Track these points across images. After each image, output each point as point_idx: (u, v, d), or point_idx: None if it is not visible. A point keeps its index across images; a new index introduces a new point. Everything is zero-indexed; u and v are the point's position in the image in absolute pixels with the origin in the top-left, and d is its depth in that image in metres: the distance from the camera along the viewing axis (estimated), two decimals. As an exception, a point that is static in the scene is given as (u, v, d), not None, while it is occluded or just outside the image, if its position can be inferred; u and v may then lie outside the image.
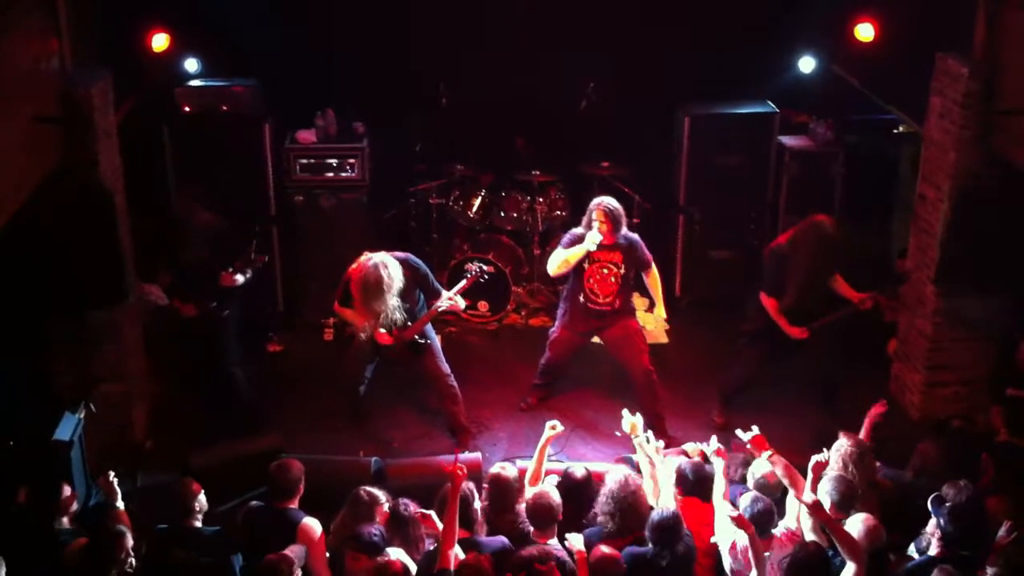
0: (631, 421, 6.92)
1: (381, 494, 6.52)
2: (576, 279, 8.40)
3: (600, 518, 6.37)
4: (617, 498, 6.29)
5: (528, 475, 6.87)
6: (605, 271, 8.32)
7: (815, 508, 5.95)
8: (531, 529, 6.30)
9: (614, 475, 6.43)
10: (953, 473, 6.41)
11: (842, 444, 6.57)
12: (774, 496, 6.49)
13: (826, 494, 6.17)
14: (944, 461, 6.83)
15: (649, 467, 6.77)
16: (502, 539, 6.28)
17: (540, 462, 6.92)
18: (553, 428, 7.00)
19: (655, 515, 6.12)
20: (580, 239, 8.26)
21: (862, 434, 7.11)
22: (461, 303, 8.27)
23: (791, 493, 6.34)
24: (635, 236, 8.43)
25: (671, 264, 10.35)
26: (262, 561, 5.90)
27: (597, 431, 8.55)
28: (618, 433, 7.07)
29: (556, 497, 6.30)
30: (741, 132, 10.19)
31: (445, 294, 8.17)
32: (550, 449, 7.10)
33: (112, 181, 7.73)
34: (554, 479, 6.87)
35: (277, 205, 9.86)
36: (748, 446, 6.54)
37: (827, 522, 5.93)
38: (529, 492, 6.67)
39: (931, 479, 6.61)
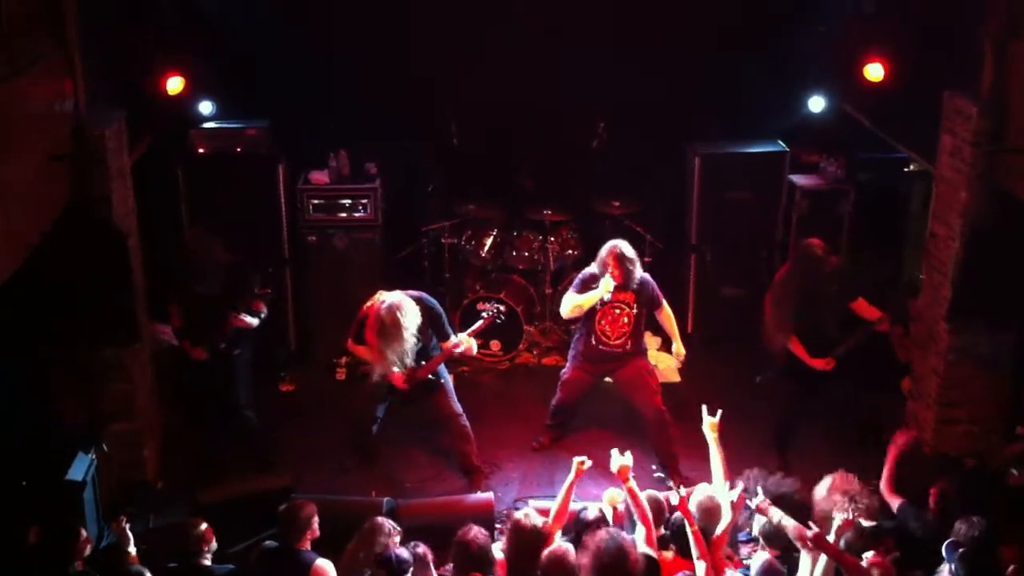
0: (621, 463, 6.62)
1: (396, 527, 6.48)
2: (588, 320, 8.39)
3: None
4: (598, 564, 5.93)
5: (552, 513, 6.70)
6: (617, 311, 8.31)
7: (835, 552, 5.93)
8: None
9: (594, 538, 6.06)
10: (968, 512, 6.37)
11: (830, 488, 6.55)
12: (782, 543, 6.45)
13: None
14: (960, 501, 6.79)
15: (637, 511, 6.51)
16: None
17: (567, 500, 6.78)
18: (582, 464, 6.80)
19: None
20: (592, 280, 8.25)
21: (886, 465, 7.12)
22: (474, 346, 8.25)
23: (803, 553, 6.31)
24: (646, 276, 8.42)
25: (683, 302, 10.35)
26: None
27: (610, 472, 8.50)
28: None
29: (572, 555, 6.06)
30: (752, 171, 10.23)
31: (456, 337, 8.13)
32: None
33: (126, 222, 7.79)
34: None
35: (291, 245, 9.91)
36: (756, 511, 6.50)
37: (833, 554, 5.90)
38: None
39: (950, 520, 6.56)
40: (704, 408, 7.11)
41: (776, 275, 8.50)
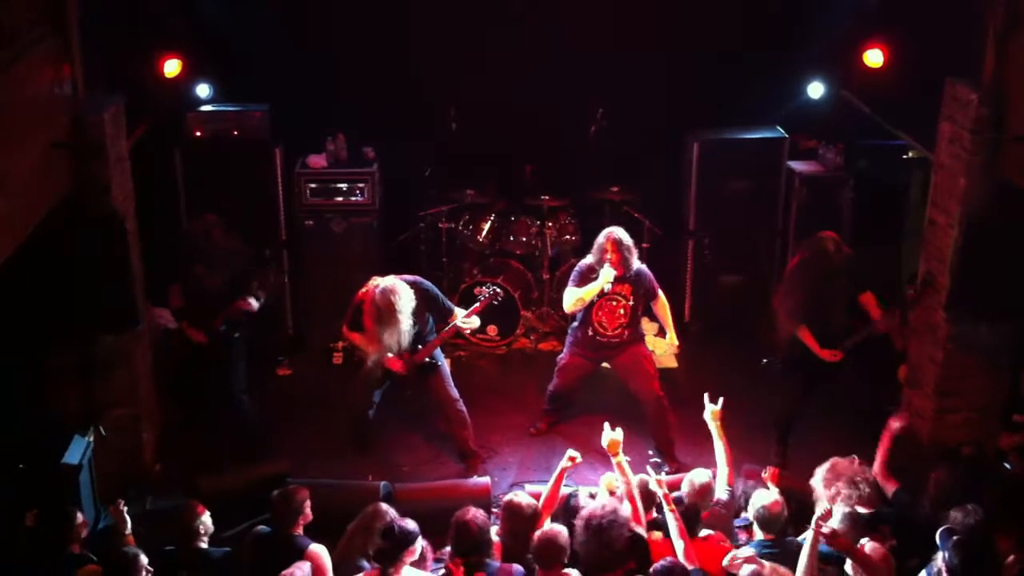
0: (611, 437, 6.73)
1: (396, 515, 6.47)
2: (585, 312, 8.38)
3: (579, 549, 6.09)
4: (590, 531, 5.98)
5: (542, 501, 6.72)
6: (614, 303, 8.31)
7: (832, 538, 5.95)
8: (536, 567, 6.11)
9: (588, 507, 6.19)
10: (965, 500, 6.38)
11: (831, 473, 6.54)
12: (776, 528, 6.46)
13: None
14: (956, 488, 6.80)
15: (626, 487, 6.59)
16: (518, 568, 6.15)
17: (556, 490, 6.82)
18: (572, 460, 6.81)
19: (657, 566, 5.90)
20: (590, 271, 8.26)
21: (880, 449, 7.13)
22: (476, 323, 8.28)
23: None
24: (643, 267, 8.43)
25: (681, 289, 10.35)
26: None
27: (607, 457, 8.50)
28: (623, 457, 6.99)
29: (564, 536, 6.06)
30: (750, 157, 10.20)
31: (459, 312, 8.16)
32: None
33: (124, 206, 7.76)
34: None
35: (288, 229, 9.90)
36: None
37: (846, 549, 5.91)
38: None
39: (946, 508, 6.57)
40: (706, 396, 7.12)
41: (787, 265, 8.48)
